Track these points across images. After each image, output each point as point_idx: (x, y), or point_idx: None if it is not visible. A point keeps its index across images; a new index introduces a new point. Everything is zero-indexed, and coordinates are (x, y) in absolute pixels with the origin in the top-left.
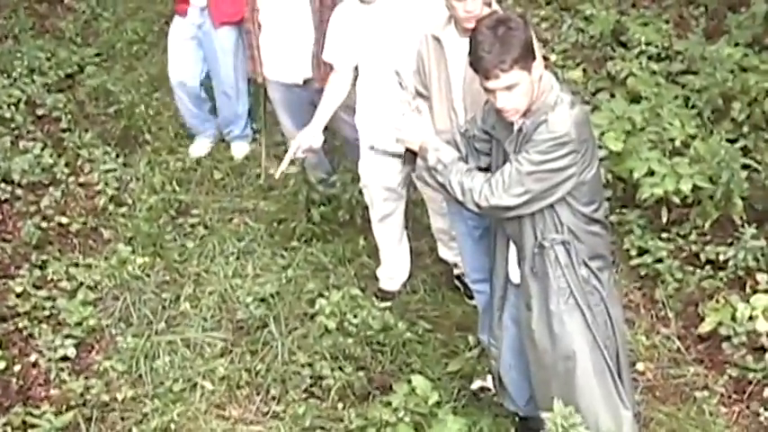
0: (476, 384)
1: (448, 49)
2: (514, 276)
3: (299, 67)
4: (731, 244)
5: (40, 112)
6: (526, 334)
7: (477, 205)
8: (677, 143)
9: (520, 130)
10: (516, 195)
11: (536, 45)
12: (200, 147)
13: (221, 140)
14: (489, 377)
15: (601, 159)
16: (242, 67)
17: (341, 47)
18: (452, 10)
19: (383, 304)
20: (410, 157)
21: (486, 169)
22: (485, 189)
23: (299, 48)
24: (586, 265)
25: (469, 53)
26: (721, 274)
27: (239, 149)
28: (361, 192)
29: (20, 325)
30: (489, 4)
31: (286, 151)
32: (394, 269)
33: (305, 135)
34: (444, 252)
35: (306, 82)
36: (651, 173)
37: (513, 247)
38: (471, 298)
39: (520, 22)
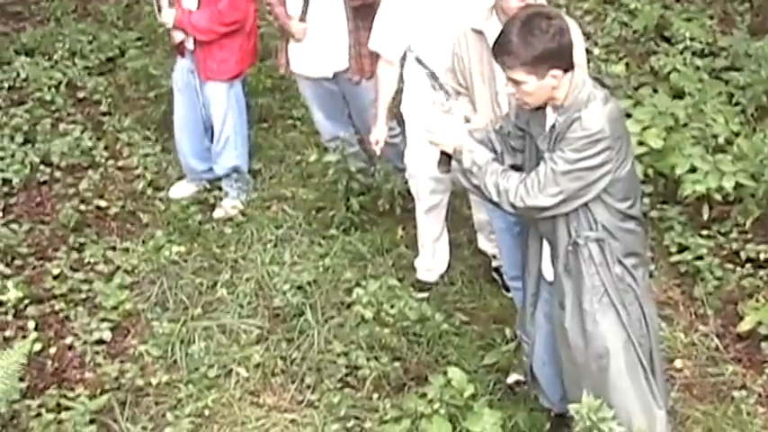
0: (512, 378)
1: (492, 41)
2: (548, 274)
3: (329, 61)
4: None
5: (80, 94)
6: (559, 332)
7: (513, 206)
8: (720, 140)
9: (553, 127)
10: (552, 195)
11: (579, 49)
12: (182, 189)
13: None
14: None
15: (642, 155)
16: (236, 122)
17: (390, 36)
18: (504, 1)
19: (420, 295)
20: (445, 159)
21: (522, 167)
22: (520, 190)
23: (329, 41)
24: (621, 263)
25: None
26: (762, 272)
27: (220, 207)
28: (406, 181)
29: (56, 307)
30: None
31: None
32: (433, 261)
33: (376, 135)
34: (484, 243)
35: (335, 75)
36: (693, 169)
37: (546, 245)
38: (509, 290)
39: (552, 27)
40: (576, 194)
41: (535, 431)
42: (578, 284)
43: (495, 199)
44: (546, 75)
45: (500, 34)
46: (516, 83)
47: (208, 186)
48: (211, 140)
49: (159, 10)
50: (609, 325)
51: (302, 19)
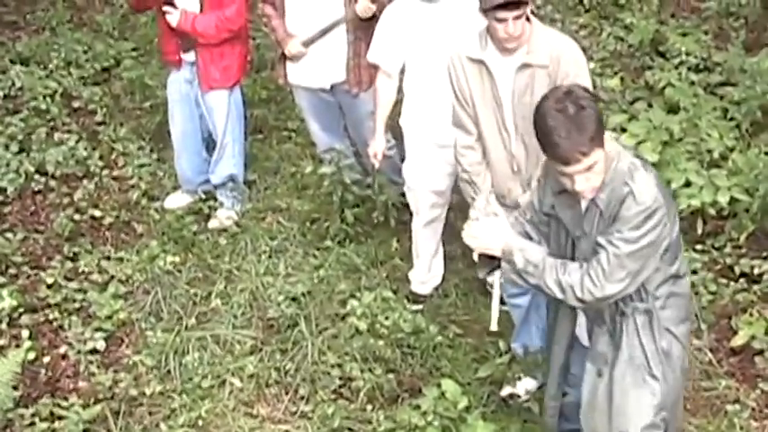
0: (505, 391)
1: (495, 70)
2: (584, 339)
3: (327, 72)
4: (767, 257)
5: (75, 104)
6: (589, 398)
7: (581, 300)
8: (715, 155)
9: (596, 206)
10: (620, 281)
11: (583, 73)
12: (178, 200)
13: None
14: (519, 384)
15: None
16: (235, 128)
17: (390, 48)
18: (493, 31)
19: (414, 307)
20: (484, 260)
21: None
22: (586, 283)
23: (327, 52)
24: (670, 333)
25: (542, 139)
26: (756, 287)
27: (215, 218)
28: (402, 194)
29: (50, 316)
30: (529, 20)
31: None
32: (428, 274)
33: (374, 147)
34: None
35: (332, 87)
36: (688, 184)
37: (581, 314)
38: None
39: (587, 95)
40: (639, 272)
41: None
42: (615, 354)
43: (560, 296)
44: (604, 141)
45: (550, 134)
46: (589, 169)
47: (203, 197)
48: (209, 151)
49: (164, 14)
50: (639, 404)
51: (306, 44)
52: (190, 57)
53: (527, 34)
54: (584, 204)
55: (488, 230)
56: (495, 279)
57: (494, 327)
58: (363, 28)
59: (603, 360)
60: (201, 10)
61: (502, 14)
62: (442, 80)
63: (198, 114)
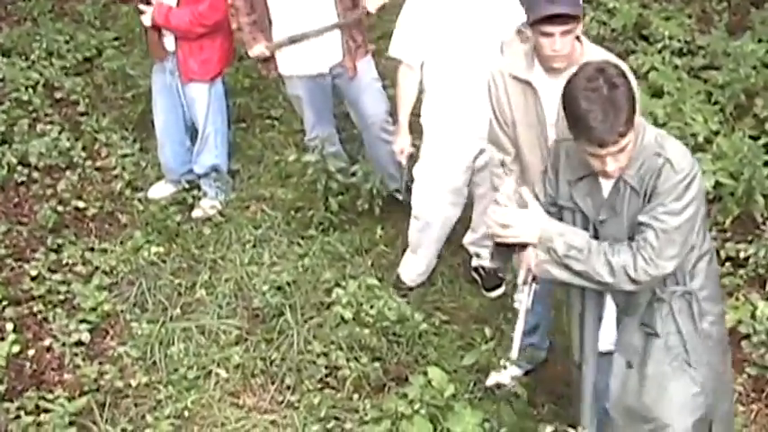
0: (491, 380)
1: (541, 92)
2: (604, 343)
3: (324, 56)
4: (752, 241)
5: (57, 95)
6: (620, 393)
7: (635, 281)
8: (699, 139)
9: (625, 185)
10: (673, 257)
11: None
12: (161, 189)
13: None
14: (504, 371)
15: None
16: (217, 119)
17: (413, 40)
18: (539, 48)
19: (400, 297)
20: (502, 250)
21: None
22: (639, 263)
23: (321, 38)
24: (710, 313)
25: (574, 123)
26: (741, 271)
27: (199, 207)
28: (397, 190)
29: (34, 309)
30: (579, 39)
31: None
32: (425, 269)
33: (401, 144)
34: (469, 237)
35: (330, 69)
36: None
37: (610, 305)
38: (488, 290)
39: (620, 72)
40: (687, 245)
41: (516, 430)
42: (649, 343)
43: (609, 280)
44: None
45: (585, 118)
46: (622, 150)
47: (186, 187)
48: (193, 142)
49: (141, 13)
50: (678, 395)
51: (296, 40)
52: (171, 47)
53: (576, 54)
54: (606, 186)
55: (521, 217)
56: (521, 303)
57: (514, 355)
58: (353, 11)
59: (634, 350)
60: (178, 4)
61: (549, 28)
62: (465, 72)
63: (180, 105)
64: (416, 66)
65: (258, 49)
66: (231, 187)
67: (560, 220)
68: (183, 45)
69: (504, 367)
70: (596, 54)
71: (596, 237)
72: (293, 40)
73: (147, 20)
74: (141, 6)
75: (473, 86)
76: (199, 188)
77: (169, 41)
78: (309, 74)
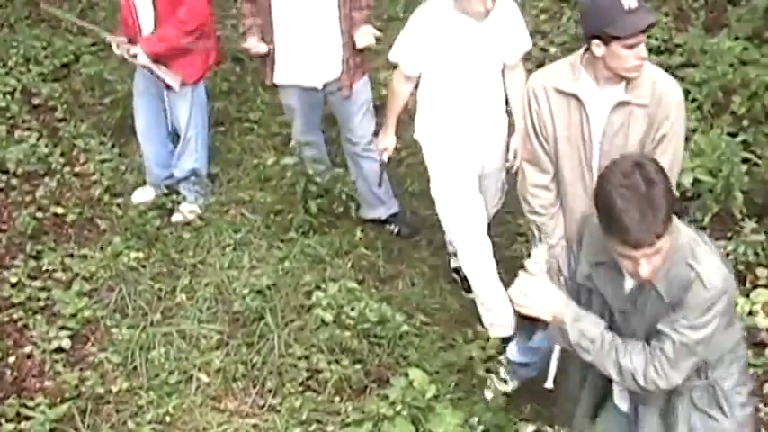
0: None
1: (589, 105)
2: (622, 403)
3: (321, 71)
4: (731, 238)
5: (35, 101)
6: None
7: (642, 388)
8: None
9: (651, 287)
10: (686, 368)
11: None
12: (144, 194)
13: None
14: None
15: None
16: (198, 122)
17: (415, 51)
18: (620, 61)
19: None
20: (526, 323)
21: None
22: (650, 373)
23: (321, 52)
24: (735, 399)
25: (608, 221)
26: None
27: (178, 212)
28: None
29: (14, 316)
30: None
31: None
32: (504, 311)
33: (386, 143)
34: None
35: (324, 86)
36: None
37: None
38: (468, 291)
39: (657, 167)
40: (706, 354)
41: (497, 430)
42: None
43: (616, 378)
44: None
45: (620, 216)
46: (657, 252)
47: (166, 191)
48: (175, 145)
49: (134, 56)
50: None
51: (268, 42)
52: (145, 60)
53: None
54: (630, 281)
55: (540, 291)
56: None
57: (549, 384)
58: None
59: None
60: (156, 25)
61: (635, 40)
62: (463, 91)
63: (162, 108)
64: (414, 75)
65: (253, 43)
66: (210, 191)
67: (581, 299)
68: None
69: (505, 381)
70: (648, 68)
71: (612, 322)
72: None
73: (143, 59)
74: (131, 50)
75: (472, 106)
76: (178, 193)
77: (142, 57)
78: (305, 85)
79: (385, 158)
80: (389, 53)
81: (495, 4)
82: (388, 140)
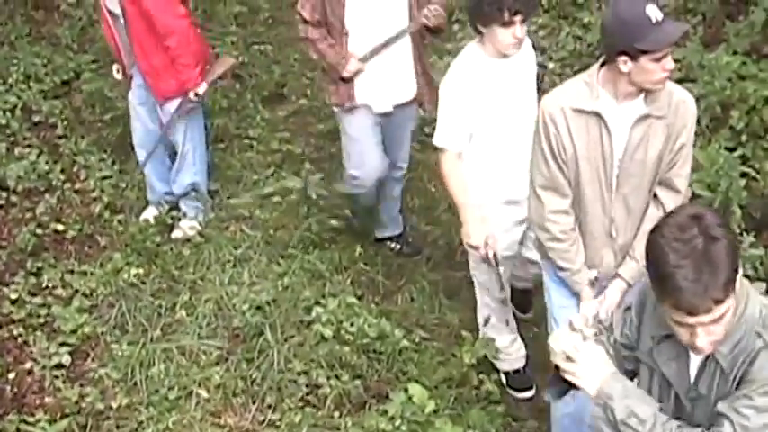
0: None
1: (611, 122)
2: None
3: (395, 93)
4: None
5: (36, 118)
6: None
7: None
8: None
9: (714, 363)
10: None
11: None
12: (149, 213)
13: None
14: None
15: None
16: (195, 136)
17: (461, 126)
18: (646, 75)
19: (522, 395)
20: (559, 382)
21: None
22: None
23: (394, 72)
24: None
25: (659, 280)
26: None
27: (179, 228)
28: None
29: (14, 332)
30: None
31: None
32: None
33: (481, 234)
34: None
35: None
36: None
37: None
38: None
39: (721, 222)
40: None
41: None
42: None
43: None
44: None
45: (673, 275)
46: (716, 321)
47: (166, 207)
48: (172, 161)
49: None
50: None
51: (366, 60)
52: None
53: None
54: (696, 358)
55: (589, 358)
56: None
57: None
58: (423, 41)
59: None
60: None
61: (663, 53)
62: (511, 134)
63: (158, 123)
64: (463, 150)
65: (355, 65)
66: (210, 207)
67: (634, 373)
68: (150, 69)
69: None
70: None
71: (678, 409)
72: (385, 44)
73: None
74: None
75: (515, 146)
76: (177, 209)
77: (131, 57)
78: (382, 111)
79: (491, 255)
80: (434, 139)
81: (524, 31)
82: (483, 229)
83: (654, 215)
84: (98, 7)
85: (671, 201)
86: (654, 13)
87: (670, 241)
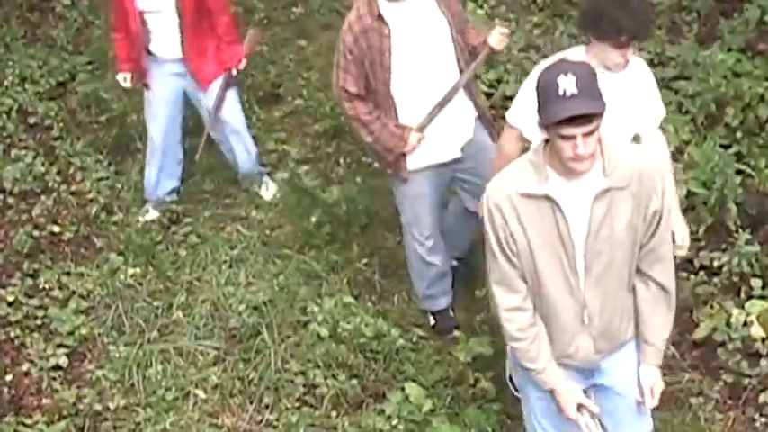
0: None
1: (564, 204)
2: None
3: (458, 138)
4: (725, 249)
5: (31, 120)
6: None
7: None
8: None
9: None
10: None
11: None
12: (150, 216)
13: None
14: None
15: None
16: (241, 109)
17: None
18: (557, 150)
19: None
20: None
21: None
22: None
23: (454, 117)
24: None
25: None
26: (715, 279)
27: (267, 189)
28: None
29: (12, 334)
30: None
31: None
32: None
33: None
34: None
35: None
36: None
37: None
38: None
39: None
40: None
41: None
42: None
43: None
44: None
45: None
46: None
47: (168, 201)
48: (185, 155)
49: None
50: None
51: (423, 127)
52: (176, 53)
53: (598, 150)
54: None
55: None
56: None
57: None
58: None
59: None
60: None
61: (568, 131)
62: None
63: (180, 115)
64: (532, 139)
65: (416, 138)
66: (205, 208)
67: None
68: (197, 56)
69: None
70: (618, 144)
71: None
72: (441, 105)
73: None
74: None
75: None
76: (173, 210)
77: (170, 48)
78: (440, 161)
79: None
80: (507, 114)
81: (633, 53)
82: None
83: (647, 297)
84: (96, 9)
85: (660, 273)
86: (565, 85)
87: None
